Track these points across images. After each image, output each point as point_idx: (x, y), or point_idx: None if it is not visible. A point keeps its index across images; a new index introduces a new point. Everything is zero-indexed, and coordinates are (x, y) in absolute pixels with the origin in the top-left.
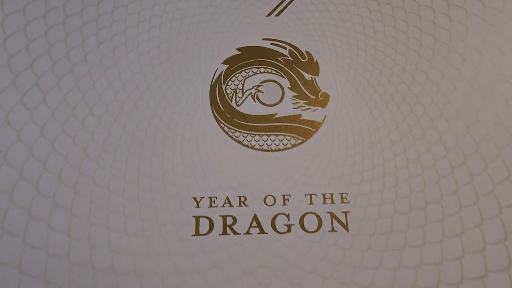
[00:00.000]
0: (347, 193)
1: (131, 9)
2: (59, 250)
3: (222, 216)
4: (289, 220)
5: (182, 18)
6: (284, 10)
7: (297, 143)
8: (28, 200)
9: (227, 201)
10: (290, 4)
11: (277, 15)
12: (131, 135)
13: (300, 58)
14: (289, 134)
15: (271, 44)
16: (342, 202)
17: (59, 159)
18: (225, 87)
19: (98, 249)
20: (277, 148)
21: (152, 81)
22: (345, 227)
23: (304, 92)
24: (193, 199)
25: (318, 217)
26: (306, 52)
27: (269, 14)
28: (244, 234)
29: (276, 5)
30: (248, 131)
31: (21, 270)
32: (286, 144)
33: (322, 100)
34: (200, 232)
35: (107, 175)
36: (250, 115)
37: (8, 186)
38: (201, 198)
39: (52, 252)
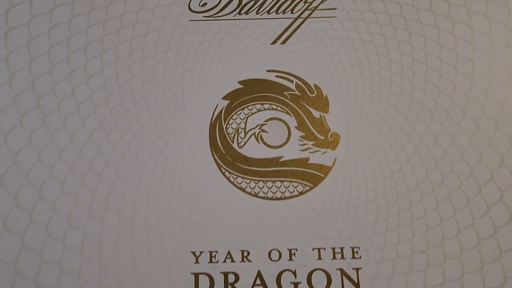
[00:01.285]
0: (358, 247)
1: (122, 36)
2: None
3: (223, 273)
4: (295, 277)
5: (179, 46)
6: (291, 37)
7: (304, 190)
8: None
9: (228, 256)
10: (297, 30)
11: (283, 42)
12: (125, 181)
13: (308, 93)
14: (296, 180)
15: (276, 76)
16: (353, 257)
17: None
18: (226, 126)
19: None
20: (283, 196)
21: (147, 119)
22: (357, 286)
23: (313, 132)
24: (191, 254)
25: (327, 275)
26: (315, 85)
27: (274, 42)
28: None
29: (281, 31)
30: (251, 176)
31: None
32: (293, 192)
33: (332, 141)
34: None
35: (98, 226)
36: (253, 158)
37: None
38: (201, 252)
39: None
